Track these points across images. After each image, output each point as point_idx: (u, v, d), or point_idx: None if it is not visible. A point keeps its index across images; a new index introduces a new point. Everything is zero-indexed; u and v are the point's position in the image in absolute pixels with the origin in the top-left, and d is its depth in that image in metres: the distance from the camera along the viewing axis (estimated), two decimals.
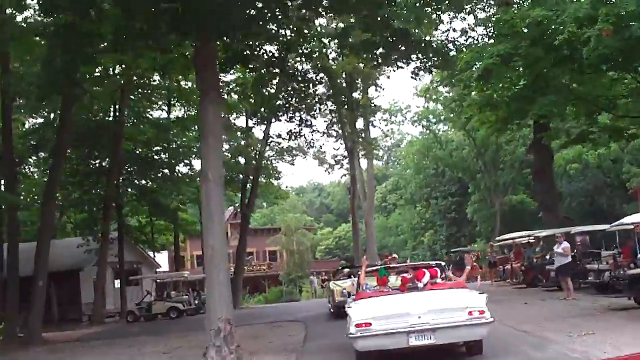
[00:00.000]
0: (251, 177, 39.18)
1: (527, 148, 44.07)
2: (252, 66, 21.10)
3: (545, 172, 32.30)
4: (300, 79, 29.39)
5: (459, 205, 68.22)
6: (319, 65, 32.30)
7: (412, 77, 22.27)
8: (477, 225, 63.87)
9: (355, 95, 41.76)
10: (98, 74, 28.54)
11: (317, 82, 33.31)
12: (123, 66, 28.10)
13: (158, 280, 35.44)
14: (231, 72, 27.56)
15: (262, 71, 22.44)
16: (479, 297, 10.74)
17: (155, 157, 37.91)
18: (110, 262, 35.68)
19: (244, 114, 38.77)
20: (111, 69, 30.63)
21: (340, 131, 42.84)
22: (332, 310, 21.24)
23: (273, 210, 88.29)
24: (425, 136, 65.07)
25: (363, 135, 44.44)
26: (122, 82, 30.83)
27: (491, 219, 59.76)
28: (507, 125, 30.09)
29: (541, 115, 23.56)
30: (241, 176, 39.11)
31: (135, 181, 38.52)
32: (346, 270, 24.59)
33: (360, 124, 44.70)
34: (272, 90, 31.48)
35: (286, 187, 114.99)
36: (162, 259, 52.70)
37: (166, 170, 37.88)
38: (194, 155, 37.33)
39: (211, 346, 13.70)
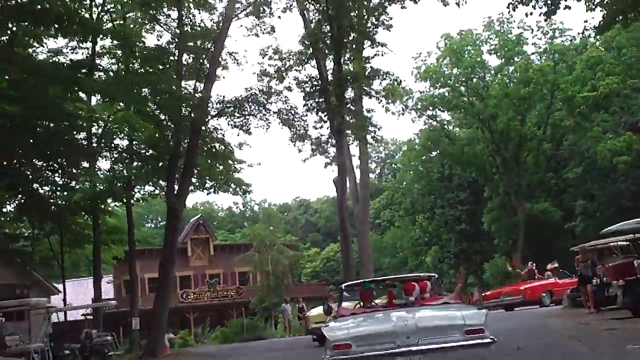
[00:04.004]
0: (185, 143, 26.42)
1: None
2: None
3: None
4: None
5: (470, 215, 58.63)
6: None
7: None
8: (494, 238, 52.38)
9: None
10: None
11: None
12: None
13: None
14: None
15: None
16: (478, 314, 9.37)
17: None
18: None
19: None
20: None
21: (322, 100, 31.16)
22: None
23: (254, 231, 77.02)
24: (430, 128, 53.87)
25: (353, 108, 32.58)
26: None
27: (512, 229, 48.52)
28: None
29: None
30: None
31: None
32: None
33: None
34: None
35: (268, 203, 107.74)
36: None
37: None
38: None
39: None
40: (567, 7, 19.52)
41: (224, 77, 35.98)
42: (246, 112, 27.30)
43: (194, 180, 29.91)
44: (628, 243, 21.04)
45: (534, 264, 29.11)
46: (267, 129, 28.69)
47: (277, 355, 18.72)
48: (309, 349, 19.17)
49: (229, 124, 27.41)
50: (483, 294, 30.63)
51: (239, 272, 55.17)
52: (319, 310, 18.93)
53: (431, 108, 52.39)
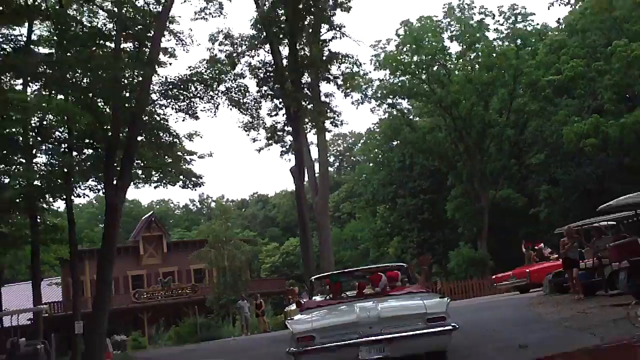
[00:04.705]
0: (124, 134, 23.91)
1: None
2: None
3: None
4: None
5: (432, 204, 57.25)
6: None
7: None
8: (458, 226, 50.98)
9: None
10: None
11: None
12: None
13: None
14: None
15: None
16: (440, 302, 9.53)
17: None
18: None
19: None
20: None
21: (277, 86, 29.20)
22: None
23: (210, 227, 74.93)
24: (391, 117, 52.29)
25: (310, 93, 30.64)
26: None
27: (477, 217, 47.21)
28: None
29: None
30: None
31: None
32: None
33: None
34: None
35: (226, 199, 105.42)
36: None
37: None
38: None
39: None
40: None
41: (170, 64, 33.71)
42: (191, 94, 24.96)
43: (138, 172, 27.75)
44: (615, 223, 19.65)
45: (542, 243, 27.11)
46: (215, 112, 26.43)
47: None
48: (263, 352, 17.25)
49: (173, 108, 25.06)
50: (494, 276, 29.27)
51: (195, 270, 52.83)
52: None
53: (391, 96, 50.69)
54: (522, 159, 51.34)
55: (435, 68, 49.58)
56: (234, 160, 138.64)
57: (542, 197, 47.12)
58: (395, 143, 55.37)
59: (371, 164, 62.58)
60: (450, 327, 9.09)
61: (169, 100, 24.74)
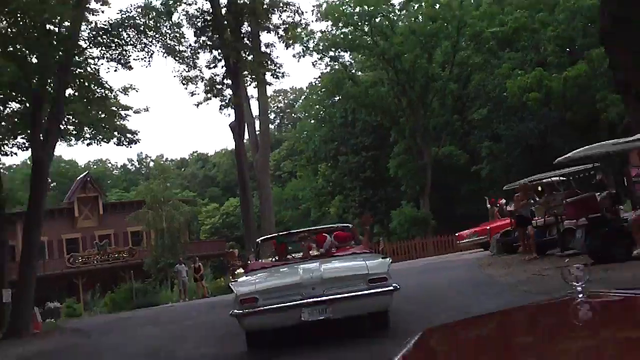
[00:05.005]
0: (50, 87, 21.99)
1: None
2: None
3: None
4: None
5: (375, 161, 56.06)
6: None
7: None
8: (401, 184, 50.21)
9: None
10: None
11: None
12: None
13: None
14: None
15: None
16: (381, 263, 9.60)
17: None
18: None
19: None
20: None
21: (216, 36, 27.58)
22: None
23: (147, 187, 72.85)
24: (333, 71, 50.87)
25: (250, 43, 29.09)
26: None
27: (419, 175, 46.51)
28: None
29: None
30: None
31: None
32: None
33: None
34: None
35: (165, 158, 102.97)
36: None
37: None
38: None
39: None
40: None
41: (102, 12, 31.45)
42: (123, 42, 23.03)
43: (70, 128, 25.87)
44: (566, 178, 18.87)
45: (503, 200, 26.20)
46: (149, 61, 24.61)
47: (158, 331, 15.19)
48: (201, 320, 15.94)
49: (104, 57, 23.14)
50: (457, 234, 28.52)
51: (132, 232, 51.07)
52: None
53: (333, 49, 49.11)
54: (464, 114, 50.69)
55: (378, 19, 48.16)
56: (173, 118, 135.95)
57: (484, 153, 46.55)
58: (337, 98, 53.91)
59: (312, 121, 61.13)
60: (391, 288, 9.19)
61: (99, 49, 22.79)
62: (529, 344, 2.11)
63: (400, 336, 6.54)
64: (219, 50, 28.33)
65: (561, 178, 19.21)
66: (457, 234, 28.68)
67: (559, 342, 1.94)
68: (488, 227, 24.22)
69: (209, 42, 28.60)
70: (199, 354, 10.76)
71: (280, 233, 13.72)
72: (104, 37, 22.46)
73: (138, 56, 23.79)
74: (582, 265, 2.38)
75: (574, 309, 2.27)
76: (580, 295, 2.25)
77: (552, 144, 39.19)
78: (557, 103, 41.75)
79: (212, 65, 28.98)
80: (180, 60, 27.03)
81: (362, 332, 9.73)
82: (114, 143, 27.23)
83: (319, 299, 9.10)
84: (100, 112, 25.62)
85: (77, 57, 22.13)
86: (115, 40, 22.69)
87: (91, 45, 22.62)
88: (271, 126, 74.09)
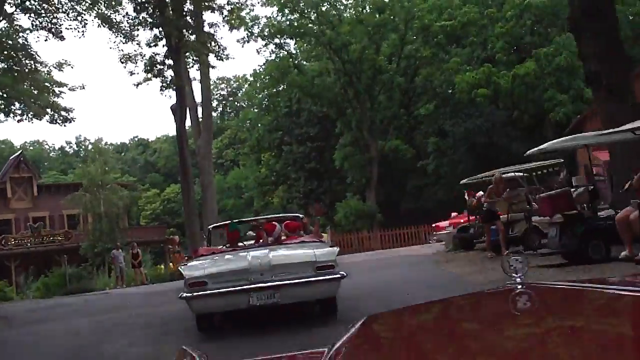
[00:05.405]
0: None
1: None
2: None
3: None
4: None
5: (320, 152, 55.36)
6: None
7: None
8: (346, 176, 49.82)
9: None
10: None
11: None
12: None
13: None
14: None
15: None
16: (329, 251, 9.90)
17: None
18: None
19: None
20: None
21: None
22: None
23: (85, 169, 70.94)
24: (278, 59, 50.08)
25: (193, 22, 28.18)
26: None
27: (366, 168, 46.25)
28: None
29: None
30: None
31: None
32: None
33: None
34: None
35: (105, 142, 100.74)
36: None
37: None
38: None
39: None
40: None
41: None
42: (54, 7, 21.91)
43: None
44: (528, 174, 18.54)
45: (481, 192, 25.67)
46: (82, 31, 23.50)
47: (86, 323, 13.90)
48: (135, 313, 14.65)
49: (33, 25, 21.98)
50: (434, 225, 28.29)
51: (68, 215, 49.57)
52: None
53: (279, 36, 48.31)
54: (411, 109, 50.55)
55: (325, 8, 47.55)
56: (113, 101, 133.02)
57: (430, 149, 46.51)
58: (282, 87, 53.08)
59: (256, 109, 60.20)
60: (338, 276, 9.40)
61: (27, 15, 21.60)
62: (469, 330, 2.17)
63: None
64: (160, 29, 27.33)
65: (524, 174, 18.92)
66: (434, 225, 28.38)
67: (497, 330, 2.03)
68: (461, 221, 23.69)
69: (149, 19, 27.54)
70: (132, 354, 9.47)
71: (233, 221, 13.95)
72: (33, 2, 21.29)
73: (71, 25, 22.70)
74: (522, 256, 2.43)
75: (512, 299, 2.39)
76: (519, 287, 2.36)
77: (498, 142, 39.32)
78: (505, 101, 41.87)
79: (152, 44, 27.94)
80: (117, 32, 25.90)
81: (311, 318, 9.87)
82: (47, 121, 26.19)
83: (267, 284, 9.30)
84: (30, 87, 24.46)
85: (3, 25, 20.95)
86: (45, 6, 21.51)
87: (19, 10, 21.39)
88: (213, 114, 72.96)
